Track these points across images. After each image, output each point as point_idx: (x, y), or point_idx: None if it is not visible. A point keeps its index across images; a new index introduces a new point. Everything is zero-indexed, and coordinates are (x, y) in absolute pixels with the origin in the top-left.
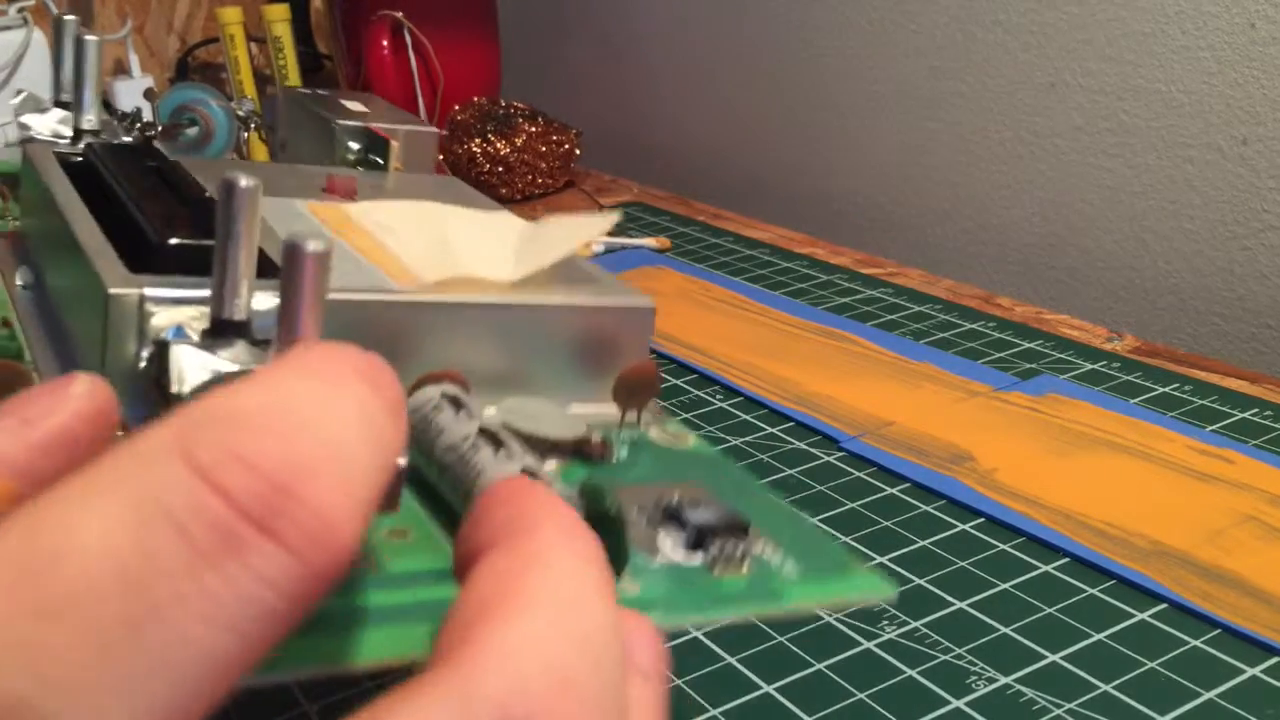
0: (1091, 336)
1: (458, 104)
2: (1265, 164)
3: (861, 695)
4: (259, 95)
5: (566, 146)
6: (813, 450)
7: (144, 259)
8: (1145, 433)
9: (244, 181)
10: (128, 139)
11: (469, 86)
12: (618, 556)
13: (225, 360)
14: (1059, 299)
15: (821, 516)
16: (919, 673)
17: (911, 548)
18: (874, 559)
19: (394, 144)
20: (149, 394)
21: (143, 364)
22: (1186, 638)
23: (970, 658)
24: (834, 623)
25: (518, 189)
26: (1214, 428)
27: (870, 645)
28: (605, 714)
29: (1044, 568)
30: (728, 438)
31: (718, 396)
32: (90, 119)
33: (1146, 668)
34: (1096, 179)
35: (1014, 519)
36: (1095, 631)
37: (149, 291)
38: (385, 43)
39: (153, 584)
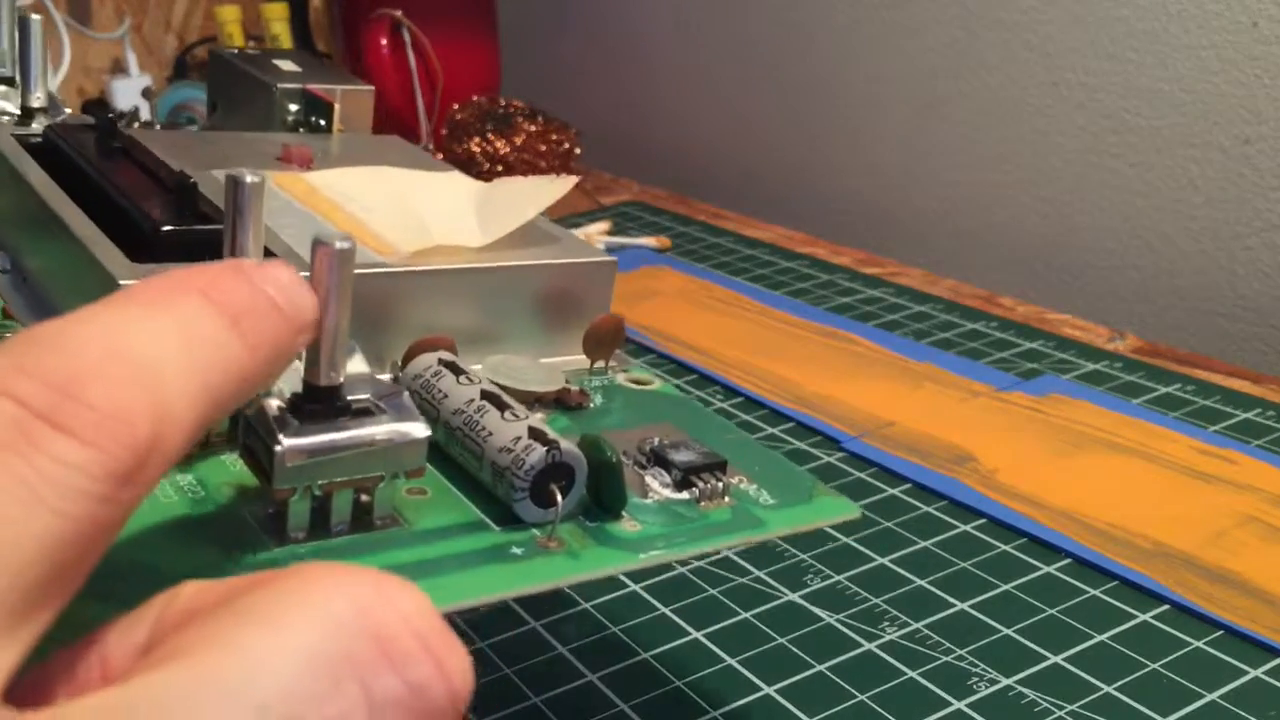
0: (1094, 336)
1: (457, 103)
2: (1268, 163)
3: (862, 697)
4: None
5: (566, 146)
6: (813, 450)
7: (139, 247)
8: (1147, 433)
9: (249, 178)
10: (86, 118)
11: (468, 85)
12: (617, 499)
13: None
14: (1061, 299)
15: None
16: (920, 674)
17: (913, 548)
18: (875, 560)
19: (336, 106)
20: None
21: None
22: (1189, 639)
23: (972, 659)
24: (835, 624)
25: None
26: (1216, 428)
27: (871, 646)
28: None
29: (1046, 569)
30: None
31: (718, 396)
32: (39, 96)
33: (1149, 669)
34: (1099, 178)
35: (1016, 520)
36: (1097, 633)
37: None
38: (384, 41)
39: None
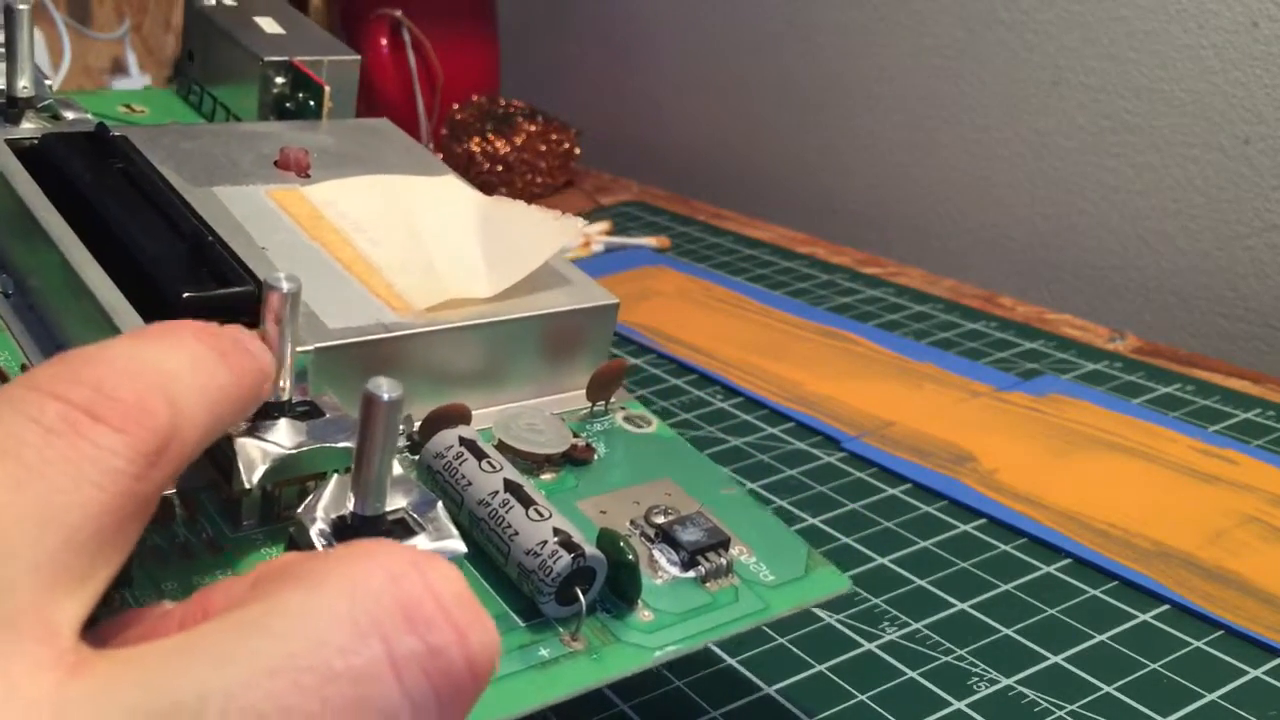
0: (1094, 336)
1: (457, 103)
2: (1268, 163)
3: (862, 697)
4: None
5: (566, 146)
6: (814, 450)
7: (154, 307)
8: (1147, 433)
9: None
10: (81, 125)
11: (468, 85)
12: (634, 593)
13: (276, 444)
14: (1061, 299)
15: (822, 517)
16: (920, 674)
17: (913, 548)
18: (875, 559)
19: (327, 91)
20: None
21: None
22: (1189, 639)
23: (972, 659)
24: (834, 624)
25: (517, 188)
26: (1216, 428)
27: (871, 646)
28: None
29: (1046, 569)
30: (728, 438)
31: (718, 396)
32: (25, 86)
33: (1149, 669)
34: (1099, 178)
35: (1015, 519)
36: (1097, 633)
37: None
38: (384, 41)
39: (20, 452)
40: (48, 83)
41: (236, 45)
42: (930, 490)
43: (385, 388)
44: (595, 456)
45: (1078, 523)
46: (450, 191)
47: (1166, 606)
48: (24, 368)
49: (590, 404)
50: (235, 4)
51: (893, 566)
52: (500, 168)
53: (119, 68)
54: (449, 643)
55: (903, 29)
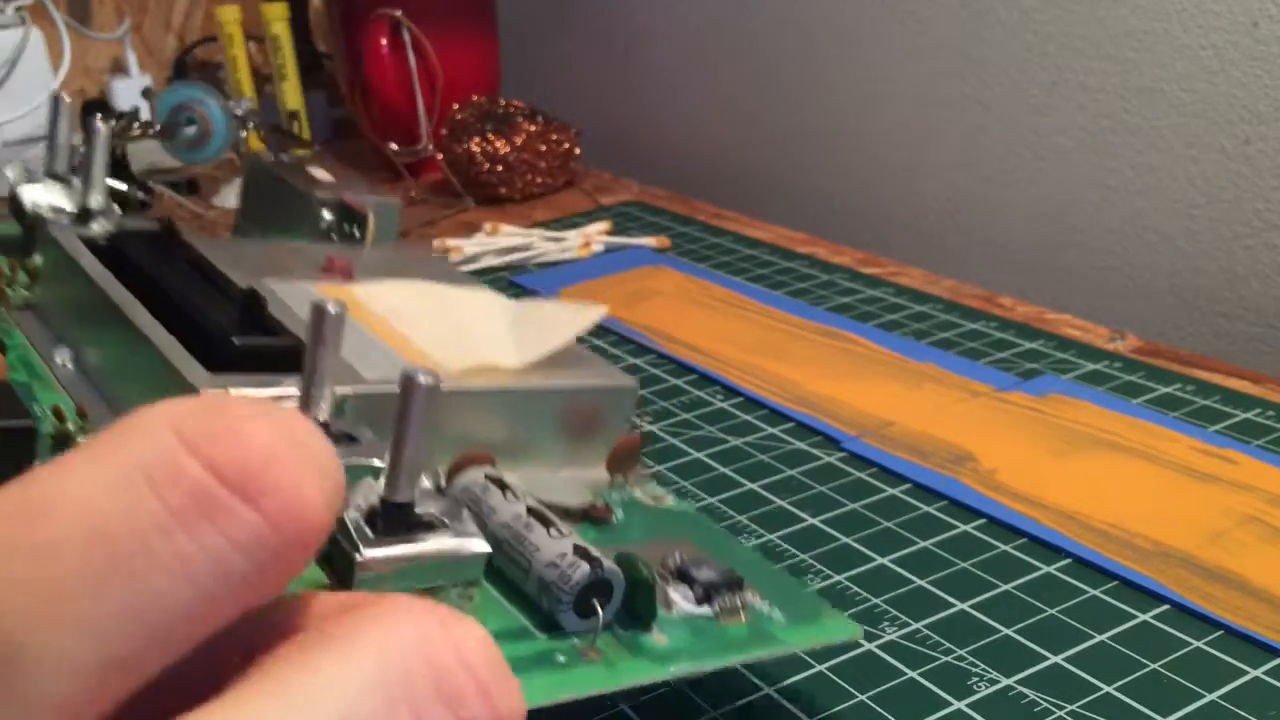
0: (1093, 336)
1: (457, 103)
2: (1268, 163)
3: (862, 696)
4: (258, 95)
5: (566, 146)
6: (813, 450)
7: (213, 355)
8: (1147, 433)
9: (332, 308)
10: (149, 225)
11: (468, 85)
12: (650, 612)
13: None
14: (1061, 299)
15: (822, 517)
16: (920, 674)
17: (912, 548)
18: (875, 559)
19: (370, 217)
20: None
21: None
22: (1189, 639)
23: (971, 659)
24: None
25: (517, 188)
26: (1216, 428)
27: (871, 646)
28: None
29: (1045, 569)
30: (728, 438)
31: (718, 396)
32: (98, 199)
33: (1149, 669)
34: (1098, 178)
35: (1015, 520)
36: (1097, 633)
37: (235, 393)
38: (384, 41)
39: (121, 538)
40: (117, 209)
41: (290, 189)
42: (930, 490)
43: (422, 373)
44: (614, 519)
45: (1077, 523)
46: (485, 296)
47: (1166, 606)
48: (80, 412)
49: (610, 477)
50: (288, 159)
51: (892, 566)
52: (500, 168)
53: (119, 68)
54: (478, 713)
55: (902, 29)
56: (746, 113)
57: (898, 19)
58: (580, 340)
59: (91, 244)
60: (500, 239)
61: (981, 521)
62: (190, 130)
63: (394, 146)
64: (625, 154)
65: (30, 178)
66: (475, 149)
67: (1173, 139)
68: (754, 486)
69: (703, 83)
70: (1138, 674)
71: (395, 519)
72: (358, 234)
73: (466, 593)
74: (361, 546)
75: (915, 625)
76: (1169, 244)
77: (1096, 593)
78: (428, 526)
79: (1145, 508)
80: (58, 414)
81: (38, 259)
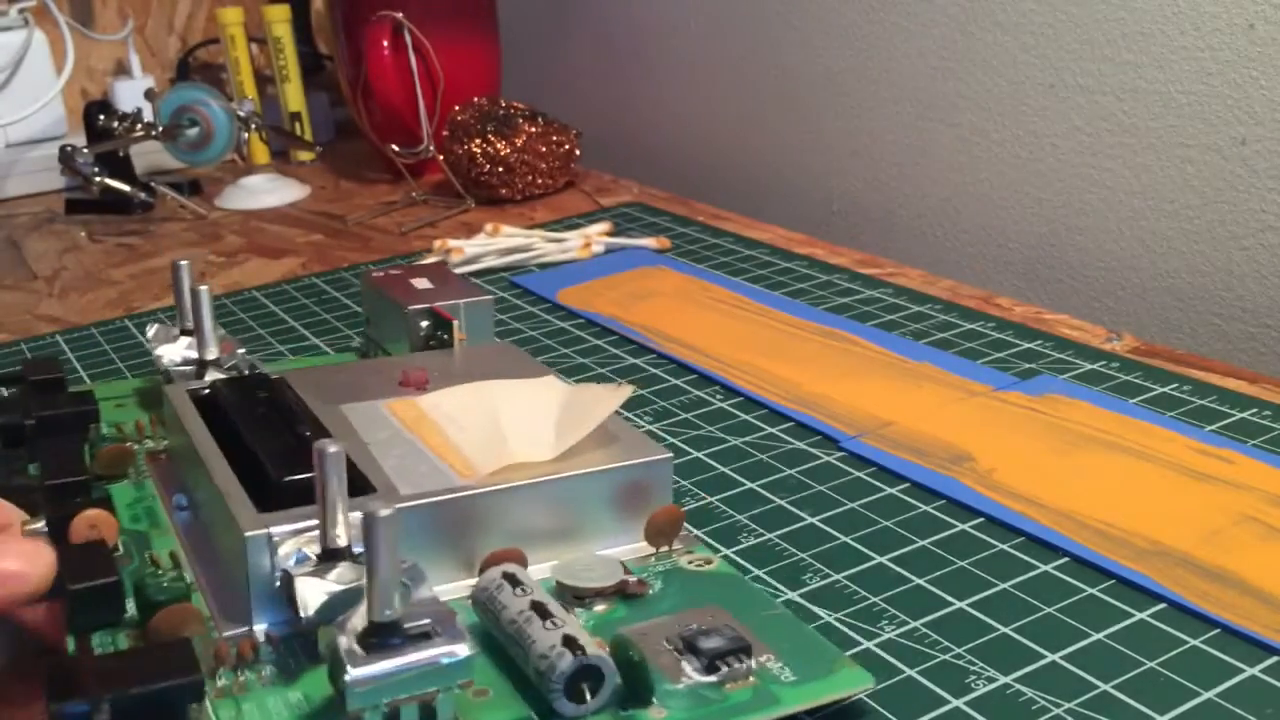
0: (1091, 336)
1: (458, 104)
2: (1264, 164)
3: (861, 695)
4: (259, 96)
5: (566, 146)
6: (812, 450)
7: (266, 495)
8: (1144, 432)
9: (382, 513)
10: (244, 370)
11: (469, 87)
12: (644, 690)
13: (334, 581)
14: (1058, 299)
15: (821, 516)
16: (918, 672)
17: (911, 547)
18: (873, 558)
19: (456, 323)
20: (285, 606)
21: (276, 584)
22: (1186, 637)
23: (970, 657)
24: (833, 622)
25: (518, 189)
26: (1213, 427)
27: (870, 645)
28: None
29: (1043, 567)
30: (728, 437)
31: (718, 396)
32: (212, 351)
33: (1146, 667)
34: (1096, 179)
35: (1013, 519)
36: (1094, 631)
37: (274, 530)
38: (385, 43)
39: None
40: (240, 351)
41: (392, 303)
42: (928, 489)
43: (380, 508)
44: (648, 591)
45: (1075, 522)
46: (539, 386)
47: (1163, 605)
48: (171, 556)
49: (654, 549)
50: (399, 272)
51: (891, 565)
52: (501, 169)
53: (122, 69)
54: None
55: (901, 31)
56: (746, 113)
57: (897, 21)
58: (582, 341)
59: (195, 395)
60: (501, 240)
61: (979, 520)
62: (192, 131)
63: (395, 148)
64: (625, 155)
65: (168, 336)
66: (476, 150)
67: (1170, 140)
68: (753, 486)
69: (703, 83)
70: (1135, 672)
71: (383, 636)
72: (446, 338)
73: (464, 692)
74: (350, 666)
75: (913, 624)
76: (1166, 244)
77: (1094, 591)
78: (418, 638)
79: (1142, 507)
80: (154, 561)
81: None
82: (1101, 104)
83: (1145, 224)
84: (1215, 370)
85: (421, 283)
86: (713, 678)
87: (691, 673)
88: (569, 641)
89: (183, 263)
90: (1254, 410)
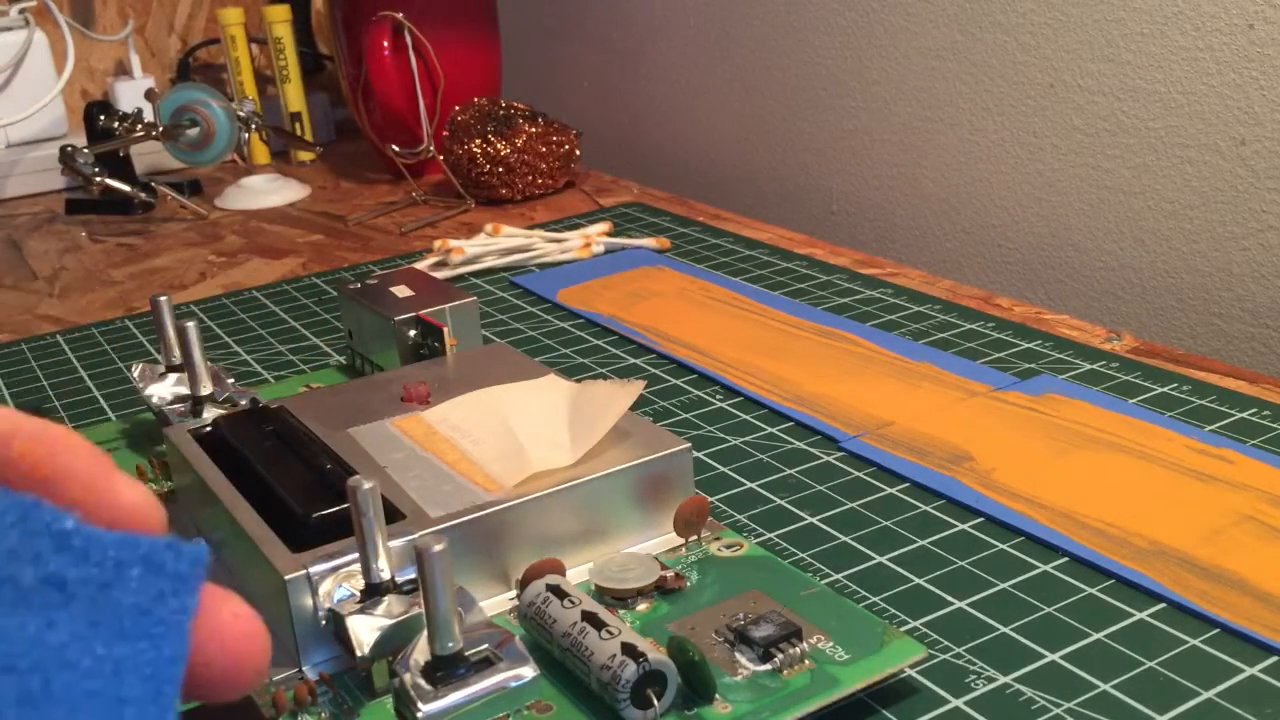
0: (1090, 336)
1: (458, 104)
2: (1263, 165)
3: (860, 694)
4: (260, 96)
5: (566, 147)
6: (812, 450)
7: (295, 533)
8: (1144, 432)
9: (434, 548)
10: (240, 403)
11: (469, 87)
12: (707, 688)
13: (384, 616)
14: (1058, 299)
15: (821, 516)
16: (918, 672)
17: (910, 547)
18: (873, 558)
19: (446, 330)
20: (332, 644)
21: (323, 623)
22: (1185, 637)
23: (969, 657)
24: None
25: (518, 189)
26: (1213, 427)
27: None
28: None
29: (1043, 567)
30: (728, 438)
31: (718, 396)
32: (205, 386)
33: (1145, 667)
34: (1095, 179)
35: (1013, 519)
36: (1094, 631)
37: (313, 570)
38: (386, 43)
39: None
40: (231, 381)
41: (376, 315)
42: (928, 489)
43: (432, 544)
44: (687, 584)
45: (1074, 521)
46: (544, 387)
47: (1163, 605)
48: None
49: (684, 540)
50: (375, 282)
51: (890, 565)
52: (501, 169)
53: (122, 70)
54: None
55: (900, 31)
56: (746, 113)
57: (896, 21)
58: (582, 341)
59: (198, 434)
60: (501, 240)
61: (979, 520)
62: (193, 132)
63: (395, 148)
64: (625, 155)
65: (154, 375)
66: (476, 150)
67: (1169, 140)
68: (753, 486)
69: (702, 84)
70: (1134, 672)
71: (447, 668)
72: (437, 345)
73: (532, 712)
74: (420, 703)
75: (913, 623)
76: (1165, 244)
77: (1093, 591)
78: (480, 664)
79: (1142, 507)
80: None
81: (165, 450)
82: (1101, 104)
83: (1145, 224)
84: (1215, 370)
85: (401, 290)
86: (769, 666)
87: (747, 663)
88: (629, 649)
89: (162, 298)
90: (1254, 410)
